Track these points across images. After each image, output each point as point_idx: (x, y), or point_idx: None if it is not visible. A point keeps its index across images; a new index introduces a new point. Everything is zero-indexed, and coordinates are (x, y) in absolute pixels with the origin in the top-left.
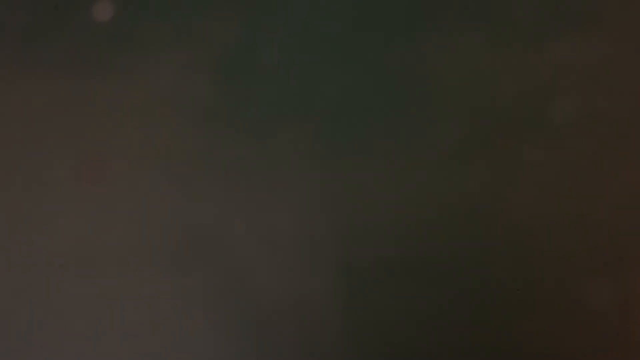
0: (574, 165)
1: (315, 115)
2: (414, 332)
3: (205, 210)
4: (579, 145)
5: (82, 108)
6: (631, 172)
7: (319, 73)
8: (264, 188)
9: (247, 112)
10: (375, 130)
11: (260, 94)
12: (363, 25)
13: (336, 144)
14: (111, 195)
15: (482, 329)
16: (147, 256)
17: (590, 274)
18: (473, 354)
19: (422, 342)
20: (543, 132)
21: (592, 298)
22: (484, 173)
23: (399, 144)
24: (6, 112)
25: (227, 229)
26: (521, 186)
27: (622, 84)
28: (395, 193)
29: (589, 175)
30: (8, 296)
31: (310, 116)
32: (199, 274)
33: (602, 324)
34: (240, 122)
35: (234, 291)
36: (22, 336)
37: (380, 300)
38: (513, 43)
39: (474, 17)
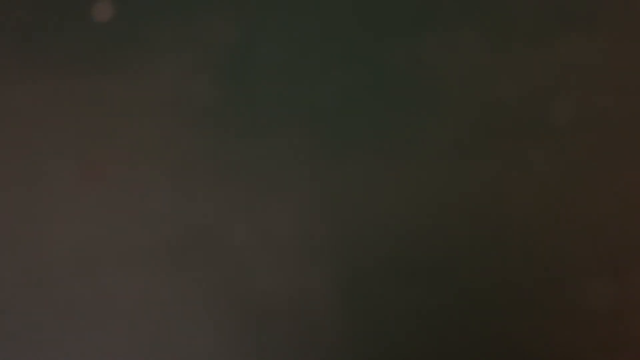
0: (573, 165)
1: (315, 115)
2: (414, 332)
3: (205, 210)
4: (579, 144)
5: (82, 108)
6: (631, 172)
7: (319, 73)
8: (264, 188)
9: (247, 112)
10: (375, 130)
11: (261, 94)
12: (363, 25)
13: (336, 143)
14: (111, 194)
15: (482, 329)
16: (147, 255)
17: (590, 274)
18: (473, 354)
19: (422, 341)
20: (543, 132)
21: (592, 298)
22: (484, 173)
23: (399, 144)
24: (6, 112)
25: (227, 229)
26: (521, 186)
27: (622, 84)
28: (396, 193)
29: (589, 175)
30: (8, 295)
31: (310, 116)
32: (199, 273)
33: (602, 324)
34: (240, 122)
35: (234, 291)
36: (23, 335)
37: (380, 300)
38: (513, 43)
39: (474, 17)
